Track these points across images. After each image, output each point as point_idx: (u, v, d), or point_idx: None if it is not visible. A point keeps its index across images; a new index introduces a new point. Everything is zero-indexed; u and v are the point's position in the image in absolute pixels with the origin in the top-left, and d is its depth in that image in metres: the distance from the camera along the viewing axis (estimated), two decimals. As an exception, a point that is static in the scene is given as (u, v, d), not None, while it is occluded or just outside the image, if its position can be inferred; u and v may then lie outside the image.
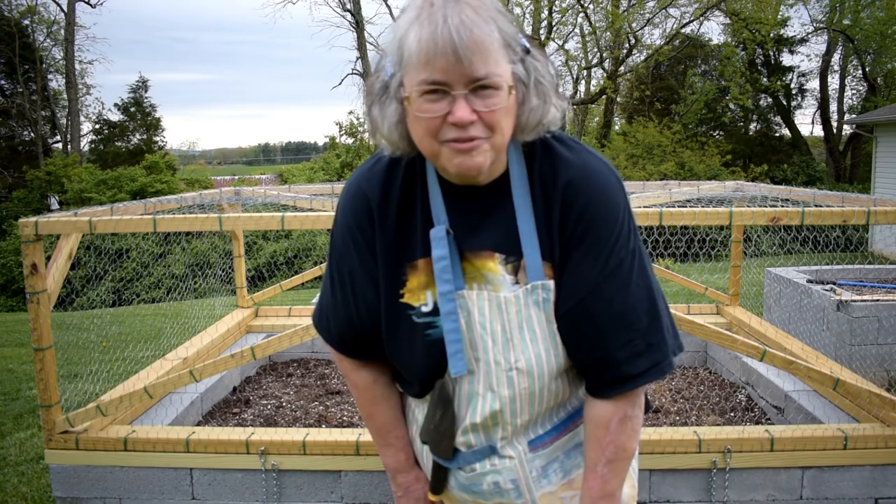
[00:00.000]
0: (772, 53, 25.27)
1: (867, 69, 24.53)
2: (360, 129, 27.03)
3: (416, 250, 1.24)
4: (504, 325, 1.23)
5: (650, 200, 3.08)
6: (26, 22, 25.60)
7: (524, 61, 1.14)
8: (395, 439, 1.44)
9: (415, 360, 1.27)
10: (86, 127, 28.44)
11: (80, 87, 27.74)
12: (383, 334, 1.30)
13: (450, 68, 1.06)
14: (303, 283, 4.64)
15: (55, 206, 19.44)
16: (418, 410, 1.38)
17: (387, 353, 1.32)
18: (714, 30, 63.16)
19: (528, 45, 1.15)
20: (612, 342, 1.20)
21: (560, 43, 23.50)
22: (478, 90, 1.09)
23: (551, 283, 1.21)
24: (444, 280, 1.21)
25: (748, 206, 2.83)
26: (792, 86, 25.93)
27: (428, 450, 1.36)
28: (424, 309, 1.24)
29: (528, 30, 21.69)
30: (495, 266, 1.22)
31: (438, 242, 1.21)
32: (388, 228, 1.25)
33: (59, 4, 27.65)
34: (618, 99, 25.20)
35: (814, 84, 28.32)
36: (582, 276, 1.20)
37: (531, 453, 1.31)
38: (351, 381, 1.43)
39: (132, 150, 27.34)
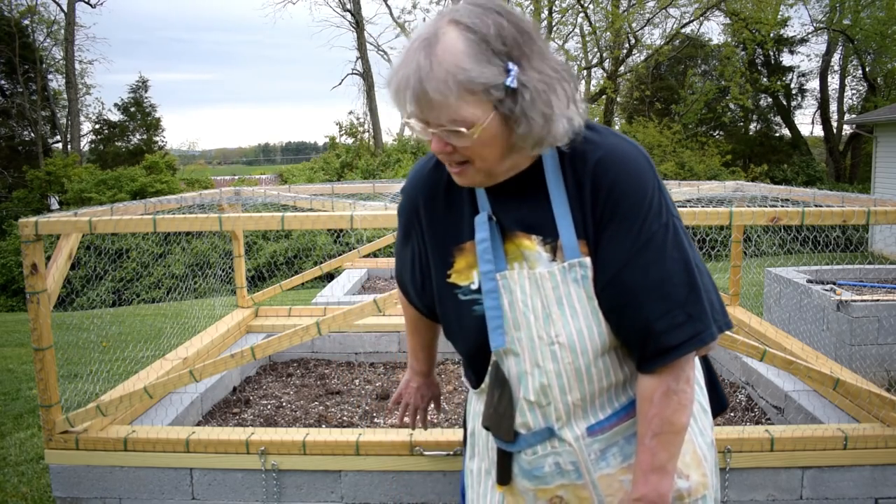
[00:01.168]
0: (772, 53, 25.27)
1: (867, 69, 24.53)
2: (360, 129, 27.06)
3: (464, 234, 1.36)
4: (543, 300, 1.30)
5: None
6: (26, 22, 25.60)
7: (513, 96, 1.16)
8: (423, 357, 1.82)
9: (464, 335, 1.39)
10: (86, 127, 28.46)
11: (80, 87, 27.75)
12: (438, 311, 1.46)
13: (420, 111, 1.17)
14: (303, 283, 4.64)
15: (55, 206, 19.43)
16: (479, 403, 1.46)
17: (444, 331, 1.49)
18: (714, 30, 63.11)
19: (515, 81, 1.15)
20: (650, 313, 1.24)
21: (560, 43, 23.50)
22: (448, 131, 1.17)
23: (588, 260, 1.27)
24: (485, 260, 1.31)
25: (748, 206, 2.83)
26: (792, 86, 25.93)
27: (493, 441, 1.44)
28: (472, 287, 1.35)
29: (528, 30, 21.65)
30: (532, 244, 1.30)
31: (481, 227, 1.32)
32: (437, 216, 1.40)
33: (59, 4, 27.68)
34: (618, 99, 25.20)
35: (814, 84, 28.37)
36: (615, 249, 1.25)
37: (589, 437, 1.35)
38: (403, 310, 1.74)
39: (132, 150, 27.32)
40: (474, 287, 1.34)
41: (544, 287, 1.29)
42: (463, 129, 1.16)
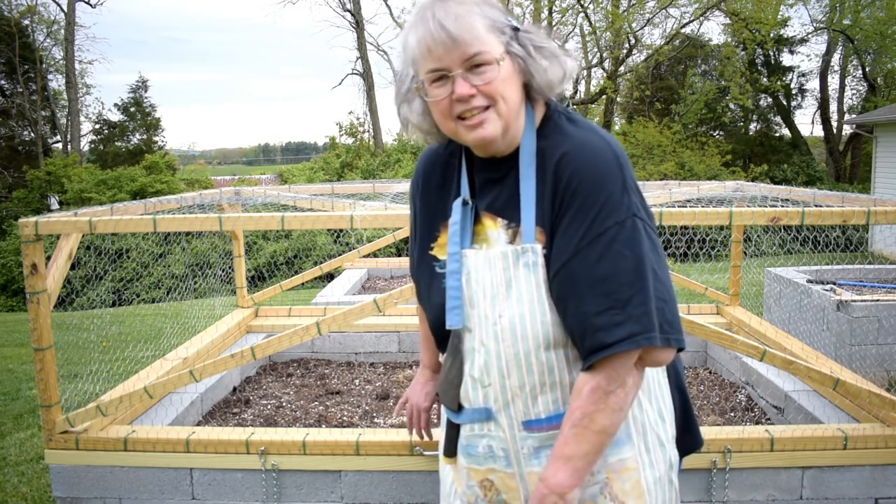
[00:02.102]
0: (772, 53, 25.26)
1: (867, 69, 24.53)
2: (360, 129, 27.05)
3: (449, 212, 1.44)
4: (493, 280, 1.34)
5: (650, 200, 3.07)
6: (26, 22, 25.58)
7: (517, 38, 1.30)
8: (424, 352, 1.80)
9: (432, 306, 1.45)
10: (86, 127, 28.44)
11: (80, 87, 27.72)
12: (415, 279, 1.53)
13: (445, 54, 1.25)
14: (303, 283, 4.64)
15: (55, 206, 19.43)
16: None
17: (417, 298, 1.56)
18: (714, 30, 63.22)
19: (515, 23, 1.31)
20: (590, 307, 1.24)
21: (560, 43, 23.35)
22: (472, 69, 1.26)
23: (539, 247, 1.30)
24: (453, 242, 1.39)
25: (748, 206, 2.83)
26: (792, 86, 25.93)
27: (445, 412, 1.50)
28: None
29: (528, 30, 21.65)
30: (495, 225, 1.36)
31: (456, 210, 1.40)
32: (431, 192, 1.48)
33: (59, 4, 27.69)
34: (618, 99, 25.19)
35: (814, 84, 28.36)
36: (567, 240, 1.27)
37: (525, 432, 1.37)
38: (419, 317, 1.72)
39: (132, 150, 27.31)
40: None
41: (495, 267, 1.33)
42: (489, 56, 1.25)
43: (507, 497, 1.42)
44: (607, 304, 1.23)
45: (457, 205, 1.40)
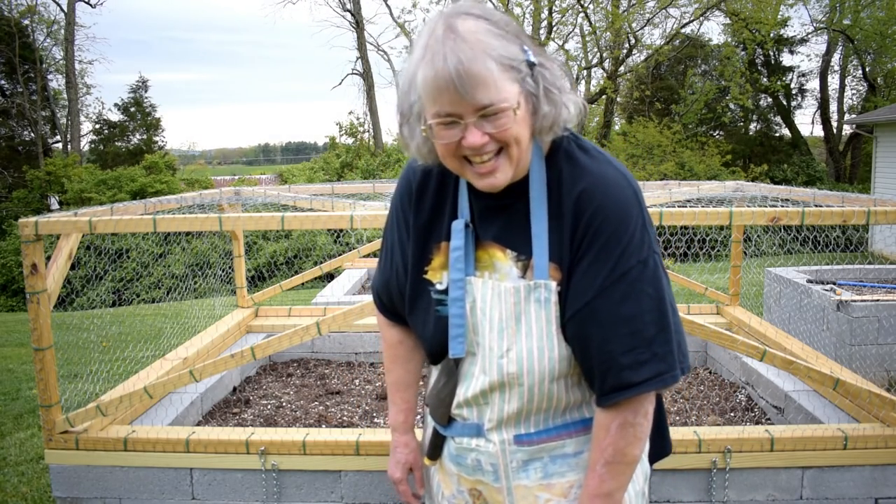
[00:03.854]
0: (772, 53, 25.27)
1: (867, 69, 24.54)
2: (360, 129, 27.06)
3: (443, 233, 1.38)
4: (502, 313, 1.30)
5: (650, 200, 3.08)
6: (26, 22, 25.59)
7: (532, 74, 1.21)
8: (400, 400, 1.60)
9: (426, 331, 1.40)
10: (86, 127, 28.47)
11: (80, 86, 27.75)
12: (406, 302, 1.44)
13: (456, 102, 1.16)
14: (303, 283, 4.64)
15: (55, 206, 19.44)
16: (433, 376, 1.49)
17: (407, 319, 1.47)
18: (714, 30, 63.26)
19: (533, 58, 1.21)
20: (616, 347, 1.23)
21: (560, 43, 23.52)
22: (486, 115, 1.17)
23: (553, 284, 1.27)
24: (456, 269, 1.33)
25: (748, 206, 2.83)
26: (792, 86, 25.94)
27: (432, 422, 1.48)
28: (439, 287, 1.37)
29: (528, 30, 21.69)
30: (505, 257, 1.31)
31: (457, 234, 1.33)
32: (424, 210, 1.40)
33: (59, 4, 27.70)
34: (618, 99, 25.20)
35: (814, 84, 28.39)
36: (590, 279, 1.24)
37: (515, 445, 1.37)
38: (382, 335, 1.61)
39: (132, 150, 27.33)
40: (440, 287, 1.36)
41: (507, 301, 1.29)
42: (506, 105, 1.16)
43: None
44: (632, 343, 1.23)
45: (458, 228, 1.33)
